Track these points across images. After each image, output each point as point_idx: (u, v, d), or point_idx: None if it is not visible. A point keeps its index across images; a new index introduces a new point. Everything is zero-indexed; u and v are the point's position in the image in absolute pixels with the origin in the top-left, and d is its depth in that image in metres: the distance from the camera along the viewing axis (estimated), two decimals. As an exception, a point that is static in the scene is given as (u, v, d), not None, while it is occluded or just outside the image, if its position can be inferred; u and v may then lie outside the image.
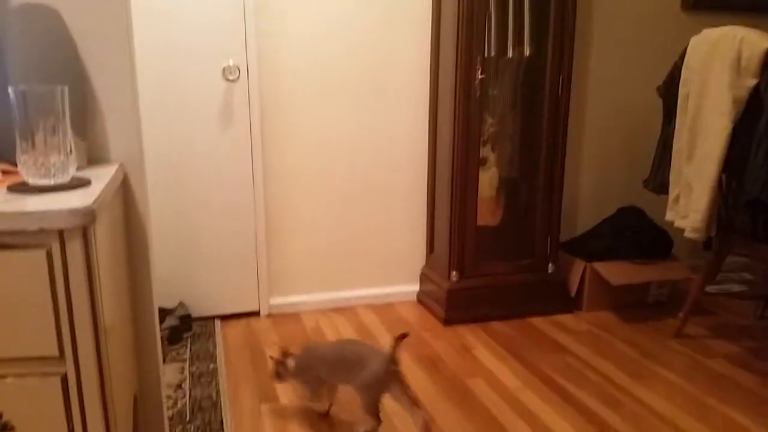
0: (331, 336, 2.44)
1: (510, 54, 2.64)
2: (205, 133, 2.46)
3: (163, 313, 2.46)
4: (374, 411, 1.70)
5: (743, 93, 1.97)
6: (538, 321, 2.61)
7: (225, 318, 2.60)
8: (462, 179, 2.53)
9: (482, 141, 2.65)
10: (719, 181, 2.08)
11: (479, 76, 2.46)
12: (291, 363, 1.86)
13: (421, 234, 2.83)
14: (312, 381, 1.84)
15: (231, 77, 2.44)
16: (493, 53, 2.60)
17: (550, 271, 2.71)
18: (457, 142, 2.50)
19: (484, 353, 2.30)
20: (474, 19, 2.40)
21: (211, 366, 2.19)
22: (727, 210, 2.20)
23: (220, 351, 2.30)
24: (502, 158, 2.77)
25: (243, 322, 2.58)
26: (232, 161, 2.51)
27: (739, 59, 1.97)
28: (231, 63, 2.42)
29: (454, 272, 2.58)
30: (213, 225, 2.53)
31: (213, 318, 2.60)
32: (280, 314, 2.66)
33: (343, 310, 2.72)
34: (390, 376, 1.68)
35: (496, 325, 2.55)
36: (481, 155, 2.63)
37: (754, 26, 2.06)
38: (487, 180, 2.74)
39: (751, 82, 1.95)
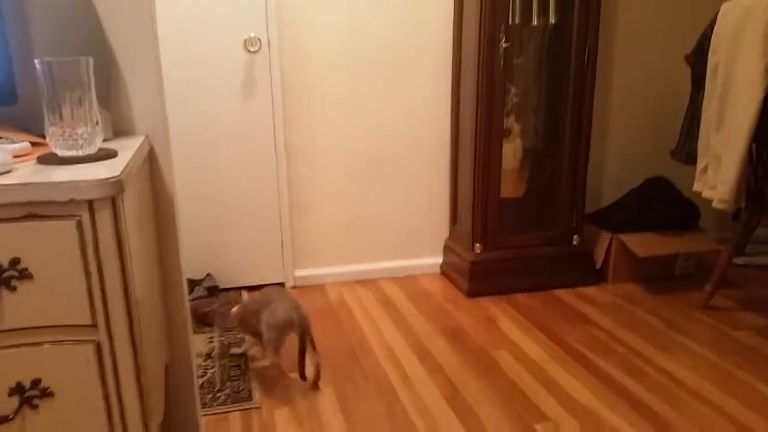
0: (355, 308, 2.47)
1: (535, 22, 2.58)
2: (227, 106, 2.47)
3: (192, 283, 2.50)
4: (273, 348, 1.90)
5: (776, 60, 1.91)
6: (562, 293, 2.60)
7: (252, 289, 2.64)
8: (485, 151, 2.51)
9: (506, 112, 2.61)
10: (749, 151, 2.03)
11: (503, 45, 2.41)
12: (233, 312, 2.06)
13: (444, 206, 2.82)
14: (251, 333, 2.00)
15: (252, 49, 2.43)
16: (517, 21, 2.54)
17: (575, 243, 2.69)
18: (480, 113, 2.47)
19: (508, 325, 2.31)
20: (497, -12, 2.35)
21: (239, 336, 2.23)
22: (757, 181, 2.16)
23: (246, 322, 2.34)
24: (526, 129, 2.73)
25: (268, 293, 2.62)
26: (255, 134, 2.52)
27: (772, 25, 1.91)
28: (252, 35, 2.42)
29: (478, 244, 2.57)
30: (238, 198, 2.55)
31: (240, 289, 2.63)
32: (305, 286, 2.69)
33: (367, 282, 2.74)
34: (293, 320, 1.86)
35: (521, 298, 2.55)
36: (504, 126, 2.60)
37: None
38: (511, 151, 2.71)
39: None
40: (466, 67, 2.56)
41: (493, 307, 2.47)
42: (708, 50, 2.17)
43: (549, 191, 2.73)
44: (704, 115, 2.19)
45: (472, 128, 2.53)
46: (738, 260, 2.83)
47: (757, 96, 1.96)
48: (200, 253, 2.57)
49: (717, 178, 2.12)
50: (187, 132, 2.45)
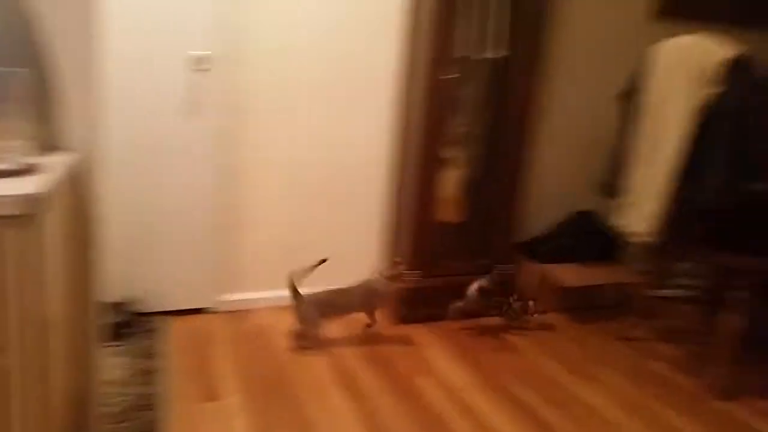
0: (284, 335, 2.42)
1: (480, 55, 2.64)
2: (170, 124, 2.40)
3: (111, 307, 2.40)
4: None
5: (702, 103, 2.01)
6: (492, 321, 2.63)
7: (175, 314, 2.56)
8: (427, 177, 2.53)
9: (450, 140, 2.65)
10: (673, 187, 2.13)
11: (450, 76, 2.45)
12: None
13: (383, 231, 2.82)
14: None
15: (200, 67, 2.39)
16: (464, 53, 2.60)
17: (508, 272, 2.73)
18: (424, 140, 2.50)
19: (436, 352, 2.31)
20: (447, 18, 2.39)
21: (158, 363, 2.15)
22: (679, 216, 2.26)
23: (167, 348, 2.26)
24: (469, 158, 2.78)
25: (193, 318, 2.54)
26: (195, 152, 2.46)
27: (699, 68, 2.01)
28: (199, 52, 2.38)
29: (416, 271, 2.58)
30: (171, 219, 2.48)
31: (163, 313, 2.55)
32: (232, 311, 2.62)
33: (297, 307, 2.70)
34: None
35: (452, 325, 2.56)
36: (448, 154, 2.63)
37: (717, 36, 2.10)
38: (453, 179, 2.75)
39: (710, 90, 1.98)
40: (412, 95, 2.59)
41: (424, 334, 2.47)
42: (640, 89, 2.27)
43: (486, 220, 2.77)
44: (632, 152, 2.28)
45: (415, 154, 2.55)
46: (657, 292, 2.95)
47: (684, 135, 2.05)
48: (125, 275, 2.48)
49: (640, 213, 2.20)
50: (128, 149, 2.37)
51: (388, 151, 2.75)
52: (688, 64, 2.02)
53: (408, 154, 2.65)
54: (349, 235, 2.77)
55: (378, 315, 2.46)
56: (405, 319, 2.56)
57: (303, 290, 2.32)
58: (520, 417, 1.90)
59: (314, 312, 2.32)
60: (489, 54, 2.62)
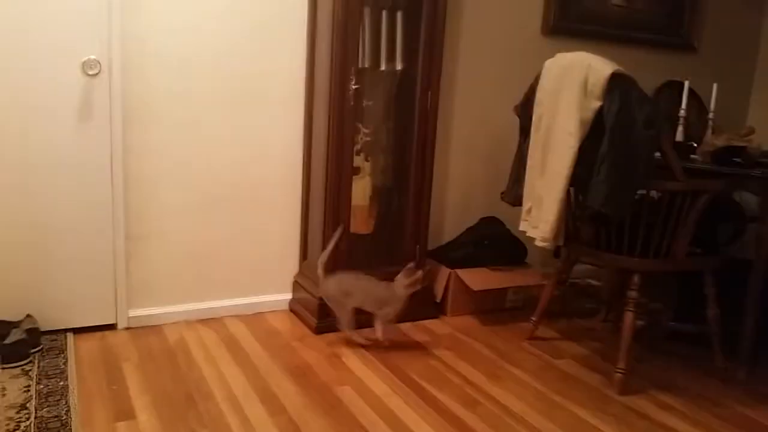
0: (196, 350, 2.35)
1: (383, 67, 2.70)
2: (60, 132, 2.28)
3: (8, 326, 2.24)
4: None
5: (589, 115, 2.15)
6: (406, 326, 2.69)
7: (79, 331, 2.42)
8: (336, 187, 2.55)
9: (356, 150, 2.69)
10: (567, 195, 2.27)
11: (353, 87, 2.49)
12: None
13: (294, 242, 2.81)
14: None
15: (91, 72, 2.29)
16: (367, 65, 2.65)
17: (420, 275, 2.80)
18: (331, 150, 2.52)
19: (354, 361, 2.33)
20: (348, 30, 2.43)
21: (61, 384, 2.03)
22: (574, 221, 2.41)
23: (71, 367, 2.14)
24: (375, 168, 2.83)
25: (98, 335, 2.42)
26: (90, 163, 2.35)
27: (586, 83, 2.15)
28: (91, 57, 2.27)
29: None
30: (66, 232, 2.35)
31: (65, 331, 2.41)
32: (139, 327, 2.52)
33: (210, 321, 2.63)
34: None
35: (368, 332, 2.59)
36: (355, 164, 2.67)
37: (602, 53, 2.27)
38: (361, 189, 2.78)
39: (596, 104, 2.13)
40: (318, 105, 2.61)
41: (340, 343, 2.48)
42: (533, 103, 2.40)
43: (395, 228, 2.83)
44: (529, 162, 2.41)
45: (323, 165, 2.57)
46: (561, 293, 3.12)
47: (574, 145, 2.19)
48: (20, 292, 2.32)
49: (539, 219, 2.33)
50: (13, 158, 2.22)
51: (297, 160, 2.75)
52: (574, 79, 2.17)
53: (315, 163, 2.66)
54: (261, 245, 2.74)
55: (386, 327, 2.48)
56: (320, 329, 2.56)
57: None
58: (438, 420, 1.95)
59: (339, 294, 2.41)
60: (389, 66, 2.69)
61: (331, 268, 2.57)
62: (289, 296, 2.82)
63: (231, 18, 2.51)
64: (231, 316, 2.69)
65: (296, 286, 2.80)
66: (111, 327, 2.48)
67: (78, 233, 2.37)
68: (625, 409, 2.10)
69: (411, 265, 2.48)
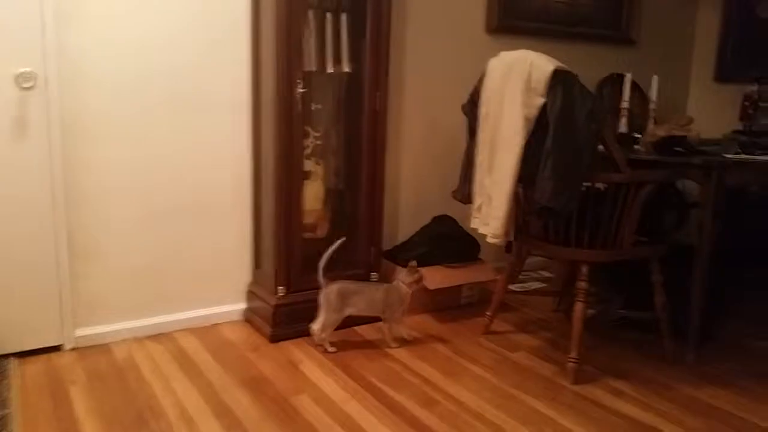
0: (146, 367, 2.29)
1: (330, 69, 2.68)
2: (-10, 149, 2.19)
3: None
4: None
5: (533, 112, 2.18)
6: (363, 328, 2.67)
7: (23, 355, 2.32)
8: (286, 193, 2.52)
9: (307, 154, 2.67)
10: (516, 191, 2.30)
11: (300, 90, 2.46)
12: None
13: (246, 250, 2.77)
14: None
15: (26, 85, 2.20)
16: (314, 68, 2.62)
17: (373, 279, 2.79)
18: (280, 155, 2.48)
19: (310, 368, 2.31)
20: (292, 33, 2.40)
21: (4, 412, 1.94)
22: (524, 216, 2.44)
23: (15, 393, 2.05)
24: (327, 171, 2.81)
25: (44, 358, 2.33)
26: (29, 180, 2.26)
27: (529, 81, 2.18)
28: (26, 69, 2.18)
29: (281, 287, 2.55)
30: (6, 253, 2.25)
31: (8, 356, 2.31)
32: (87, 346, 2.43)
33: (161, 336, 2.56)
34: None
35: (341, 334, 2.56)
36: (306, 168, 2.65)
37: (546, 49, 2.30)
38: (313, 193, 2.76)
39: (540, 101, 2.16)
40: (265, 110, 2.57)
41: (297, 350, 2.45)
42: (479, 101, 2.42)
43: (349, 231, 2.81)
44: (477, 160, 2.43)
45: (273, 170, 2.53)
46: (513, 287, 3.17)
47: (520, 143, 2.21)
48: (-45, 318, 2.21)
49: (490, 216, 2.35)
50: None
51: (245, 167, 2.70)
52: (517, 77, 2.19)
53: (265, 169, 2.62)
54: (212, 255, 2.69)
55: (400, 326, 2.56)
56: (275, 338, 2.52)
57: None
58: (396, 422, 1.95)
59: (337, 301, 2.41)
60: (337, 69, 2.68)
61: (287, 278, 2.54)
62: (243, 306, 2.77)
63: (171, 27, 2.45)
64: (183, 330, 2.62)
65: (250, 295, 2.75)
66: (57, 348, 2.39)
67: (19, 254, 2.27)
68: (579, 398, 2.13)
69: (413, 263, 2.53)
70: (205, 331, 2.63)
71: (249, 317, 2.74)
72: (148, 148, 2.48)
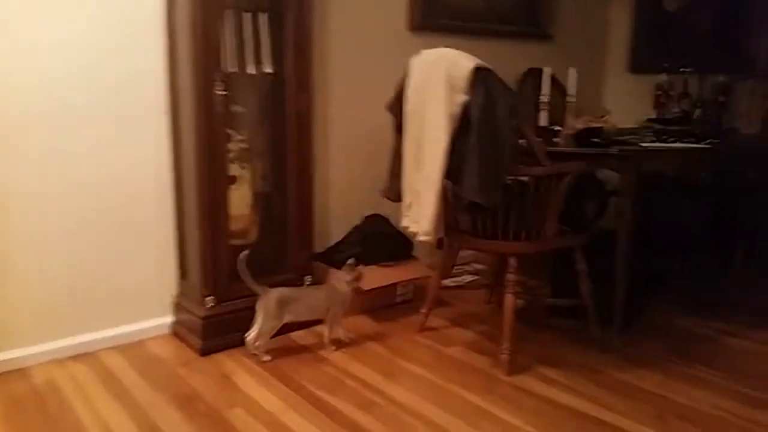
0: (69, 390, 2.16)
1: (252, 70, 2.61)
2: None
3: None
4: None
5: (456, 109, 2.19)
6: (298, 335, 2.63)
7: (-73, 389, 2.16)
8: (211, 199, 2.44)
9: (231, 158, 2.59)
10: (444, 187, 2.31)
11: (220, 93, 2.39)
12: None
13: (171, 260, 2.66)
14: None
15: None
16: (234, 69, 2.54)
17: (307, 283, 2.75)
18: (201, 160, 2.40)
19: (244, 379, 2.25)
20: (209, 34, 2.32)
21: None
22: (452, 212, 2.46)
23: None
24: (254, 175, 2.74)
25: (-47, 389, 2.17)
26: None
27: (451, 78, 2.19)
28: None
29: (209, 297, 2.47)
30: None
31: None
32: (2, 373, 2.27)
33: (84, 356, 2.42)
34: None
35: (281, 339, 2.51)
36: (231, 173, 2.57)
37: (467, 46, 2.32)
38: (240, 198, 2.68)
39: (462, 98, 2.17)
40: (183, 114, 2.48)
41: (229, 362, 2.38)
42: (404, 100, 2.42)
43: (280, 235, 2.76)
44: (405, 158, 2.43)
45: (194, 177, 2.44)
46: (447, 282, 3.19)
47: (444, 139, 2.22)
48: None
49: (419, 214, 2.35)
50: None
51: (165, 174, 2.60)
52: (439, 75, 2.21)
53: (186, 175, 2.53)
54: (134, 267, 2.58)
55: (339, 327, 2.52)
56: (206, 351, 2.44)
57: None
58: (335, 428, 1.93)
59: (276, 308, 2.35)
60: (259, 69, 2.62)
61: (215, 288, 2.46)
62: (170, 319, 2.67)
63: (81, 33, 2.32)
64: (108, 348, 2.50)
65: (177, 307, 2.65)
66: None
67: None
68: (513, 389, 2.17)
69: (351, 261, 2.51)
70: (132, 348, 2.51)
71: (177, 331, 2.64)
72: (59, 160, 2.34)
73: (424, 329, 2.68)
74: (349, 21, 3.05)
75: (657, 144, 2.54)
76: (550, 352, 2.47)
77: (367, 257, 2.87)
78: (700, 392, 2.15)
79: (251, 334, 2.39)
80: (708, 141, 2.54)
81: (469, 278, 3.38)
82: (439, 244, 2.71)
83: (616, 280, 2.45)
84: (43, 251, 2.35)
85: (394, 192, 2.54)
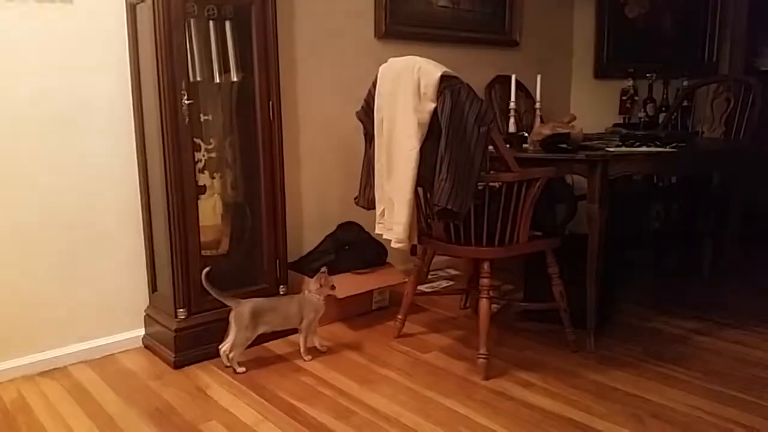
0: (39, 408, 2.10)
1: (218, 79, 2.59)
2: None
3: None
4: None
5: (425, 117, 2.20)
6: (273, 345, 2.61)
7: None
8: (179, 209, 2.40)
9: (200, 168, 2.56)
10: (416, 195, 2.32)
11: (186, 102, 2.36)
12: None
13: (141, 272, 2.62)
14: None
15: None
16: (200, 78, 2.52)
17: (282, 293, 2.73)
18: (169, 171, 2.36)
19: (219, 392, 2.21)
20: (173, 43, 2.30)
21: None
22: (425, 219, 2.47)
23: None
24: (224, 184, 2.71)
25: None
26: None
27: (419, 87, 2.20)
28: None
29: (181, 309, 2.44)
30: None
31: None
32: (-33, 393, 2.22)
33: (53, 372, 2.37)
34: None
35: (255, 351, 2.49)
36: (200, 183, 2.54)
37: (435, 53, 2.33)
38: (210, 208, 2.66)
39: (431, 106, 2.18)
40: (149, 124, 2.45)
41: (204, 374, 2.35)
42: (374, 108, 2.42)
43: (252, 245, 2.73)
44: (376, 166, 2.43)
45: (162, 188, 2.40)
46: (423, 287, 3.20)
47: (415, 147, 2.23)
48: None
49: (392, 221, 2.36)
50: None
51: (133, 186, 2.57)
52: (407, 84, 2.21)
53: (154, 186, 2.50)
54: (104, 280, 2.54)
55: (314, 336, 2.52)
56: (179, 363, 2.40)
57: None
58: (311, 437, 1.91)
59: (249, 319, 2.32)
60: (226, 78, 2.60)
61: (187, 299, 2.43)
62: (141, 332, 2.62)
63: (43, 45, 2.29)
64: (78, 362, 2.45)
65: (148, 319, 2.61)
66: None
67: None
68: (491, 393, 2.18)
69: (323, 270, 2.49)
70: (103, 362, 2.46)
71: (149, 344, 2.59)
72: (25, 174, 2.30)
73: (400, 335, 2.68)
74: (317, 29, 3.06)
75: (623, 149, 2.58)
76: (526, 355, 2.49)
77: (342, 265, 2.86)
78: (674, 392, 2.18)
79: (225, 346, 2.36)
80: (673, 145, 2.60)
81: (444, 283, 3.40)
82: (413, 250, 2.73)
83: (587, 282, 2.48)
84: (8, 267, 2.29)
85: (366, 200, 2.54)
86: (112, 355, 2.53)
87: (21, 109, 2.27)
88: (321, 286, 2.47)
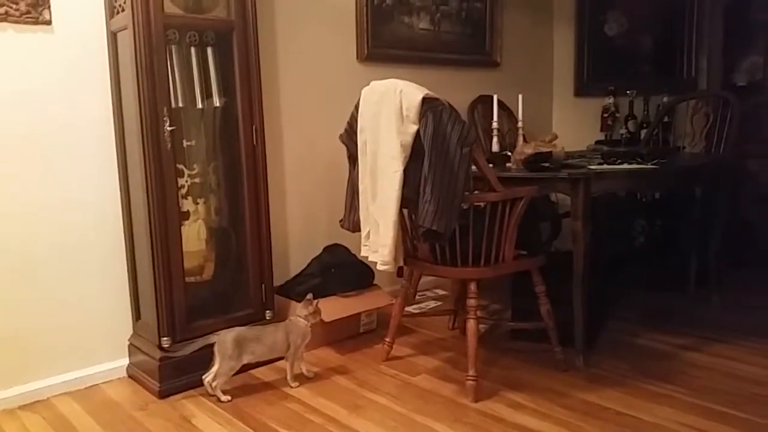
0: (18, 442, 2.06)
1: (201, 105, 2.59)
2: None
3: None
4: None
5: (408, 139, 2.21)
6: (260, 372, 2.57)
7: None
8: (163, 236, 2.37)
9: (183, 194, 2.54)
10: (401, 216, 2.32)
11: (168, 128, 2.35)
12: None
13: (124, 301, 2.58)
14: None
15: None
16: (182, 104, 2.52)
17: (268, 318, 2.70)
18: (152, 197, 2.34)
19: (205, 421, 2.18)
20: (155, 70, 2.29)
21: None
22: (411, 240, 2.47)
23: None
24: (208, 210, 2.69)
25: None
26: None
27: (401, 109, 2.21)
28: None
29: (165, 338, 2.40)
30: None
31: None
32: (-55, 430, 2.16)
33: (35, 404, 2.32)
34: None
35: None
36: (184, 208, 2.52)
37: (417, 75, 2.34)
38: (194, 233, 2.63)
39: (413, 128, 2.19)
40: (131, 150, 2.43)
41: (189, 404, 2.31)
42: (357, 130, 2.43)
43: (237, 270, 2.71)
44: (361, 188, 2.43)
45: (145, 214, 2.38)
46: (410, 309, 3.19)
47: (398, 169, 2.24)
48: None
49: (378, 243, 2.35)
50: None
51: (115, 213, 2.55)
52: (390, 106, 2.22)
53: (136, 213, 2.48)
54: (86, 310, 2.50)
55: (301, 363, 2.48)
56: (164, 393, 2.36)
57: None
58: (299, 466, 1.88)
59: (233, 349, 2.28)
60: (208, 103, 2.60)
61: (171, 327, 2.39)
62: (125, 362, 2.58)
63: (24, 73, 2.28)
64: (61, 394, 2.40)
65: (132, 349, 2.57)
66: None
67: None
68: (480, 416, 2.16)
69: (309, 296, 2.48)
70: (86, 393, 2.42)
71: (133, 373, 2.55)
72: (3, 204, 2.26)
73: (388, 359, 2.65)
74: (299, 53, 3.07)
75: (605, 167, 2.60)
76: (515, 375, 2.48)
77: (329, 287, 2.84)
78: (664, 409, 2.17)
79: (209, 376, 2.32)
80: (655, 161, 2.62)
81: (432, 304, 3.39)
82: (399, 272, 2.71)
83: (573, 300, 2.48)
84: (-13, 298, 2.25)
85: (351, 222, 2.54)
86: (96, 385, 2.48)
87: (2, 136, 2.24)
88: (308, 312, 2.44)
